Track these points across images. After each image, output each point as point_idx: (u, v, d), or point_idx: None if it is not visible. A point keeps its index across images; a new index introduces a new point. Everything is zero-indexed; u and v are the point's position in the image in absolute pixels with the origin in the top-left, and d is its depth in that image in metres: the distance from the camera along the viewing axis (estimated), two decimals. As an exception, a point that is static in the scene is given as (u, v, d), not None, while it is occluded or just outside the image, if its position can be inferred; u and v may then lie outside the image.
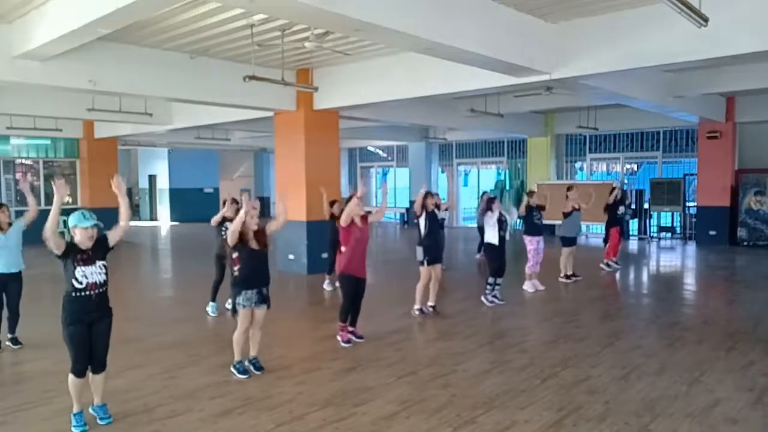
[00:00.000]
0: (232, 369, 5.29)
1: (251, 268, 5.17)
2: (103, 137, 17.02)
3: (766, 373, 5.25)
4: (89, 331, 4.14)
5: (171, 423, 4.31)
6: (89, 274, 4.07)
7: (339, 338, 6.25)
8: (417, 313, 7.36)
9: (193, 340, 6.56)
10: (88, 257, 4.08)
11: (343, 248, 6.26)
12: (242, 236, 5.14)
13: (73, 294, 4.06)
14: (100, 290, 4.15)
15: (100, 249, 4.15)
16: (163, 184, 24.14)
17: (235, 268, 5.21)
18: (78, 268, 4.03)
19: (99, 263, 4.12)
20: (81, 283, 4.04)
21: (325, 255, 9.67)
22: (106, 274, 4.19)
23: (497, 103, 12.69)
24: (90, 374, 4.26)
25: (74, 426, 4.16)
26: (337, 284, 6.80)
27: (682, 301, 8.89)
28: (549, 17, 7.16)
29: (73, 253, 4.05)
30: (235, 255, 5.19)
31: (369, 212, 6.40)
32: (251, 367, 5.39)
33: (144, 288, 10.60)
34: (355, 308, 6.35)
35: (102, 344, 4.23)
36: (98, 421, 4.29)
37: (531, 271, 9.13)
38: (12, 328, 6.29)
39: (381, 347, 6.15)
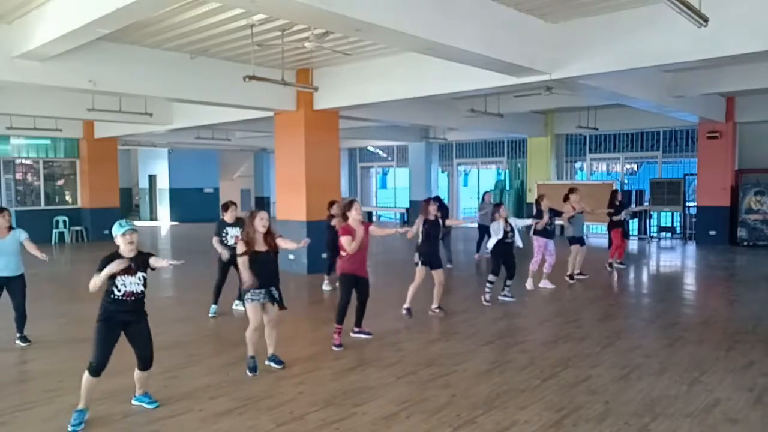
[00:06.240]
0: (247, 363, 5.35)
1: (258, 272, 5.17)
2: (103, 137, 17.02)
3: (766, 373, 5.25)
4: (124, 331, 4.34)
5: (171, 423, 4.32)
6: (128, 283, 4.27)
7: (333, 341, 6.17)
8: (404, 312, 7.36)
9: (193, 340, 6.57)
10: (129, 268, 4.24)
11: (342, 252, 6.30)
12: (249, 242, 5.16)
13: (111, 296, 4.25)
14: (136, 298, 4.33)
15: (142, 261, 4.34)
16: (163, 184, 24.13)
17: None
18: (119, 277, 4.22)
19: (139, 274, 4.32)
20: (119, 291, 4.25)
21: (324, 255, 9.68)
22: (145, 285, 4.37)
23: (497, 103, 12.69)
24: (135, 370, 4.52)
25: (71, 423, 4.19)
26: (338, 284, 6.82)
27: (682, 301, 8.89)
28: (549, 17, 7.16)
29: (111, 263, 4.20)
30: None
31: (370, 221, 6.38)
32: (272, 364, 5.46)
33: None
34: (360, 309, 6.40)
35: (144, 342, 4.44)
36: (146, 406, 4.56)
37: (534, 268, 9.18)
38: (20, 328, 6.38)
39: (381, 347, 6.16)
